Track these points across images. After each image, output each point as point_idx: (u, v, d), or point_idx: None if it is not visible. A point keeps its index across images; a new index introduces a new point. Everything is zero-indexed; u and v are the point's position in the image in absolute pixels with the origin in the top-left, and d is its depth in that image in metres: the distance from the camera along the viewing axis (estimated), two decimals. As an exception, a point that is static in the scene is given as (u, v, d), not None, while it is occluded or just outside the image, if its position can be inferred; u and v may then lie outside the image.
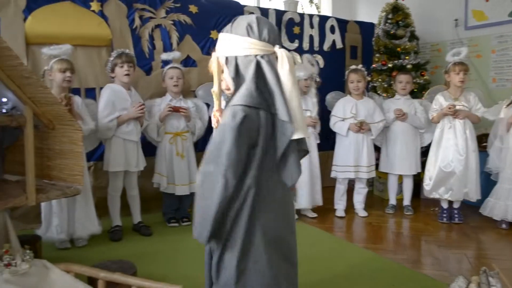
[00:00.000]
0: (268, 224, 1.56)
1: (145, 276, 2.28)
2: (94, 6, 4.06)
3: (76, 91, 3.76)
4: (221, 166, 1.46)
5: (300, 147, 1.62)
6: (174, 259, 3.14)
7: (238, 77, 1.59)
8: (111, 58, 3.62)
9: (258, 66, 1.54)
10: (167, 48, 4.38)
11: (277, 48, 1.56)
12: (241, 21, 1.58)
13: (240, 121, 1.46)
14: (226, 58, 1.62)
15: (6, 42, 2.02)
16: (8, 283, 1.83)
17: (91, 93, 4.01)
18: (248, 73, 1.54)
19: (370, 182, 4.97)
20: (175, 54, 4.11)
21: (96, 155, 3.99)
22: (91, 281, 2.19)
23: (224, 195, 1.47)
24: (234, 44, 1.58)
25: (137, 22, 4.26)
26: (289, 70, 1.53)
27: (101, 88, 3.73)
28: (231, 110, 1.49)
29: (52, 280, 2.00)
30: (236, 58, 1.59)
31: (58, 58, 3.29)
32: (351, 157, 4.31)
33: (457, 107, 4.03)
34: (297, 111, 1.53)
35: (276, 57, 1.57)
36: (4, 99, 2.26)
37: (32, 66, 3.69)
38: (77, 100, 3.42)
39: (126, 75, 3.58)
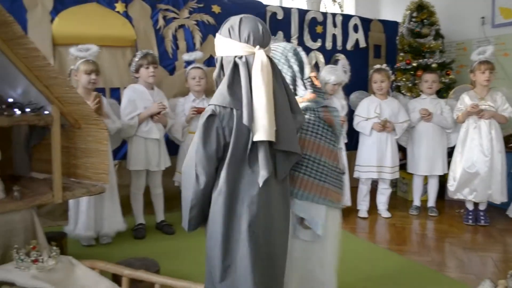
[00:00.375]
0: (248, 223, 1.55)
1: (168, 274, 2.31)
2: (119, 7, 4.12)
3: (101, 91, 3.81)
4: (193, 163, 1.54)
5: (279, 148, 1.56)
6: (197, 258, 3.13)
7: (222, 77, 1.64)
8: (136, 59, 3.65)
9: (236, 67, 1.56)
10: (190, 48, 4.41)
11: (256, 49, 1.56)
12: (227, 22, 1.62)
13: (205, 120, 1.52)
14: (216, 58, 1.68)
15: (34, 43, 2.07)
16: (35, 278, 1.88)
17: (116, 93, 4.07)
18: (226, 74, 1.57)
19: (393, 183, 4.90)
20: (197, 54, 4.14)
21: (121, 154, 4.04)
22: (116, 278, 2.22)
23: (195, 190, 1.56)
24: (220, 45, 1.63)
25: (161, 22, 4.31)
26: (260, 72, 1.51)
27: (125, 88, 3.78)
28: (204, 110, 1.57)
29: (78, 276, 2.04)
30: (222, 58, 1.64)
31: (85, 59, 3.34)
32: (374, 157, 4.26)
33: (482, 107, 3.94)
34: (263, 114, 1.49)
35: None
36: (32, 99, 2.32)
37: (59, 66, 3.77)
38: (103, 99, 3.48)
39: (152, 76, 3.63)
